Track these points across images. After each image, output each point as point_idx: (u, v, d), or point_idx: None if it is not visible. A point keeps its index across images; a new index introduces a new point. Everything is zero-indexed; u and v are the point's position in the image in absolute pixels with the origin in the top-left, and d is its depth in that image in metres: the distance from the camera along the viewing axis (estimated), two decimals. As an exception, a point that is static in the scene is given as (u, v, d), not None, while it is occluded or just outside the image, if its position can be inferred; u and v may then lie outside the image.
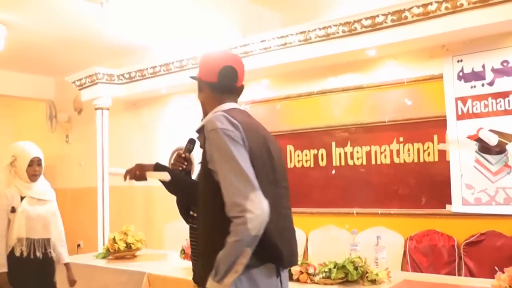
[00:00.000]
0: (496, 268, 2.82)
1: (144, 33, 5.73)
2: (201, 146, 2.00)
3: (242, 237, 1.72)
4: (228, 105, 2.06)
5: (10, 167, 3.67)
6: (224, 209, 1.77)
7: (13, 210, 3.54)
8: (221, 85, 2.08)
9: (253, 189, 1.76)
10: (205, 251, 1.95)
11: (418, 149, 4.35)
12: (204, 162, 1.93)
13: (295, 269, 3.20)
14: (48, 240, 3.71)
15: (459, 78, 4.12)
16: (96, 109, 6.24)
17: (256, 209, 1.72)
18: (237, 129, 1.88)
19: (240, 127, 1.89)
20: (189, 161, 2.56)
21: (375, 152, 4.57)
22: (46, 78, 7.92)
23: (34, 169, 3.68)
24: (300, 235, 4.62)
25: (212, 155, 1.86)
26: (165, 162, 6.24)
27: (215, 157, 1.85)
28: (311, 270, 3.21)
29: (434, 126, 4.27)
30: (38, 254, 3.60)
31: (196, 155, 2.17)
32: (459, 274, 3.99)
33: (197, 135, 2.16)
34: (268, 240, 1.84)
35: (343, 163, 4.76)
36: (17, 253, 3.51)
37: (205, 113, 2.12)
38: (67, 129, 7.92)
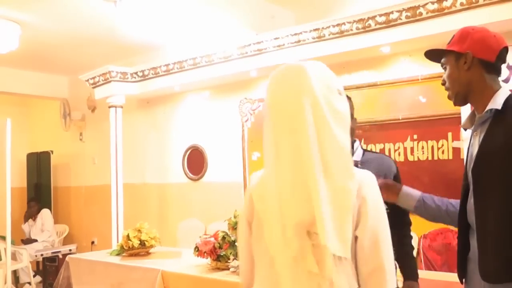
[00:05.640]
0: None
1: (158, 31, 5.74)
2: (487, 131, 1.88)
3: None
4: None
5: None
6: None
7: None
8: (497, 66, 1.93)
9: None
10: None
11: (432, 147, 4.33)
12: None
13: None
14: None
15: (474, 75, 4.08)
16: (109, 107, 6.26)
17: None
18: None
19: None
20: None
21: (389, 149, 4.55)
22: (60, 77, 7.97)
23: None
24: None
25: None
26: (179, 160, 6.28)
27: None
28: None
29: (449, 124, 4.24)
30: None
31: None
32: (474, 273, 3.95)
33: None
34: None
35: (356, 161, 4.74)
36: None
37: (463, 94, 1.96)
38: (81, 127, 7.96)
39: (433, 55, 2.06)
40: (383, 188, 2.09)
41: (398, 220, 2.38)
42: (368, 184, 1.48)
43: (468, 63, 1.90)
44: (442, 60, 2.02)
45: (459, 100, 1.98)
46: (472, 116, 2.01)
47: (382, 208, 1.48)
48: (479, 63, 1.90)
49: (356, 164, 2.24)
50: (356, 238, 1.43)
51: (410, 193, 2.16)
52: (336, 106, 1.46)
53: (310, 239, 1.41)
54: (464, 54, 1.91)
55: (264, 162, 1.52)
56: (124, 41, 6.03)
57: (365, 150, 2.56)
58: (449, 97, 2.01)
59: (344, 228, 1.39)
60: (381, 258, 1.44)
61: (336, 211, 1.39)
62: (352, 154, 2.34)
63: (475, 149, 1.91)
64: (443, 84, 2.02)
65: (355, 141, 2.50)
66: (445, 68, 2.01)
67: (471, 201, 1.92)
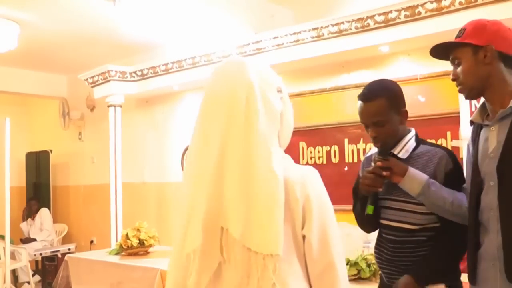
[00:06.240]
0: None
1: (157, 30, 5.74)
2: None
3: None
4: None
5: None
6: None
7: None
8: None
9: None
10: None
11: (432, 146, 4.33)
12: None
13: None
14: None
15: (473, 74, 4.07)
16: (108, 106, 6.26)
17: None
18: None
19: None
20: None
21: (388, 149, 4.54)
22: (59, 76, 7.97)
23: None
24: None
25: None
26: (178, 159, 6.28)
27: None
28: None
29: (448, 123, 4.24)
30: None
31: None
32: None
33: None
34: None
35: (355, 160, 4.74)
36: None
37: (480, 88, 1.88)
38: (80, 127, 7.96)
39: (439, 52, 1.98)
40: (389, 168, 2.04)
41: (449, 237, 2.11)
42: (311, 180, 1.47)
43: (489, 56, 1.84)
44: (454, 55, 1.93)
45: (474, 94, 1.93)
46: (482, 110, 1.95)
47: (328, 204, 1.48)
48: (498, 56, 1.84)
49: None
50: (304, 237, 1.40)
51: (416, 177, 2.00)
52: (271, 101, 1.46)
53: (223, 234, 1.37)
54: (484, 46, 1.84)
55: (189, 150, 1.50)
56: (123, 40, 6.03)
57: (421, 142, 2.20)
58: (461, 91, 1.94)
59: (270, 224, 1.33)
60: (331, 256, 1.41)
61: (259, 207, 1.34)
62: (402, 147, 2.16)
63: (491, 145, 1.85)
64: (455, 79, 1.93)
65: (409, 131, 2.23)
66: (458, 64, 1.92)
67: (485, 198, 1.85)
